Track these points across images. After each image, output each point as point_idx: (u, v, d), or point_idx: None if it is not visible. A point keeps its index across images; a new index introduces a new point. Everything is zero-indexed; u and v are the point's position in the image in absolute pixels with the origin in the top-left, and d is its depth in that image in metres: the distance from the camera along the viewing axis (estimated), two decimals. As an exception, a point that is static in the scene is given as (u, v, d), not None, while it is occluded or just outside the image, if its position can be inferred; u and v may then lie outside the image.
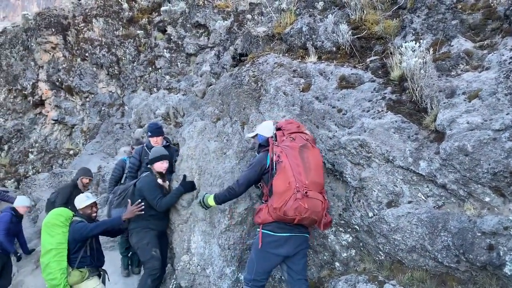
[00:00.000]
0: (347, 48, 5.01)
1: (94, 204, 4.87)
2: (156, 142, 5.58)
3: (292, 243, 3.50)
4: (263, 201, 3.70)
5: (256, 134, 4.07)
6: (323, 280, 3.83)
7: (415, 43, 3.99)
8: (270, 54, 5.19)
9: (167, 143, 5.76)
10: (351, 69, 4.65)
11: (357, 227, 3.85)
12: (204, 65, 9.53)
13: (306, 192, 3.32)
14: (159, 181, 4.83)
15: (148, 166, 4.95)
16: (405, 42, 4.15)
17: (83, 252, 4.50)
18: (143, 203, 4.75)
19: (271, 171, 3.60)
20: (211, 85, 7.70)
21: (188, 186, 4.68)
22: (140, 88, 11.86)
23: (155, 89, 11.45)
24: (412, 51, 3.94)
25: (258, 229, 3.67)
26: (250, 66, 5.11)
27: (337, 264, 3.96)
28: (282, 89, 4.64)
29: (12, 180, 12.56)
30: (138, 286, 4.71)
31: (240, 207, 4.44)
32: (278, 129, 3.84)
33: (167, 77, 11.33)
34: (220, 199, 3.99)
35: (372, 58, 4.79)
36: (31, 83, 14.00)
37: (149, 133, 5.65)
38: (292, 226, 3.45)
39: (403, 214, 3.48)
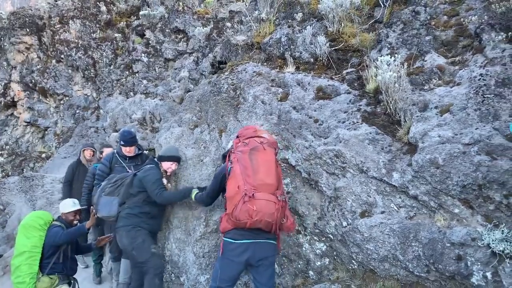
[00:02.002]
0: (324, 60, 5.10)
1: (79, 211, 4.79)
2: (129, 151, 5.42)
3: (253, 250, 3.42)
4: (225, 209, 3.68)
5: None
6: (297, 288, 3.86)
7: (390, 57, 4.10)
8: (249, 63, 5.23)
9: (140, 151, 5.66)
10: (328, 80, 4.73)
11: (331, 236, 3.90)
12: (182, 71, 9.50)
13: (253, 194, 3.29)
14: (164, 180, 4.55)
15: (155, 160, 4.68)
16: (381, 56, 4.26)
17: (56, 258, 4.40)
18: (112, 235, 4.69)
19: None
20: (189, 91, 7.68)
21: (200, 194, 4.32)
22: (117, 92, 11.70)
23: (131, 93, 11.32)
24: (387, 65, 4.05)
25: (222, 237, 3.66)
26: (229, 74, 5.13)
27: (311, 272, 4.00)
28: (260, 98, 4.68)
29: (-21, 183, 12.13)
30: (145, 286, 4.32)
31: (215, 215, 4.44)
32: (237, 136, 3.87)
33: (144, 81, 11.22)
34: (196, 199, 4.15)
35: (349, 70, 4.89)
36: (3, 83, 13.61)
37: (122, 142, 5.41)
38: (252, 232, 3.39)
39: (376, 224, 3.55)
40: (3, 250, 7.41)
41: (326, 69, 5.07)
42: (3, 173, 12.48)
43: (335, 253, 3.89)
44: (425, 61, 4.26)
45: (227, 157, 3.71)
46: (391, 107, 3.99)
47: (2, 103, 13.95)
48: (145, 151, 5.94)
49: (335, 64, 5.04)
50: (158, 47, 11.13)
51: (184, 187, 4.54)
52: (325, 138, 4.13)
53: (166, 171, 4.58)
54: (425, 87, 4.02)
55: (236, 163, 3.51)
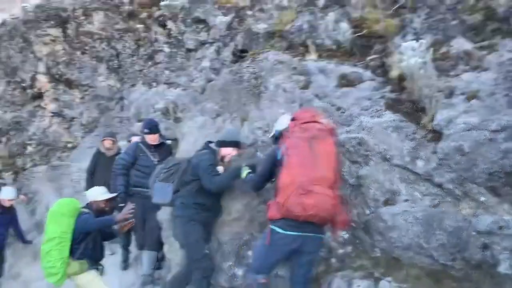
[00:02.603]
0: (347, 47, 5.04)
1: (111, 199, 4.91)
2: (153, 139, 5.51)
3: (301, 243, 3.30)
4: (274, 197, 3.45)
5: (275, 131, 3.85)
6: (319, 276, 3.87)
7: (415, 43, 4.02)
8: (270, 51, 5.22)
9: (163, 140, 5.74)
10: (351, 68, 4.69)
11: (354, 224, 3.89)
12: (204, 61, 9.53)
13: (311, 187, 3.10)
14: (219, 168, 4.24)
15: (210, 145, 4.38)
16: (405, 42, 4.18)
17: (85, 244, 4.53)
18: (133, 206, 4.69)
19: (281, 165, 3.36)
20: (210, 80, 7.71)
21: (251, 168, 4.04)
22: (140, 83, 11.83)
23: (154, 83, 11.43)
24: (412, 51, 3.98)
25: (269, 224, 3.46)
26: (251, 62, 5.14)
27: (333, 260, 3.99)
28: (282, 86, 4.67)
29: (10, 172, 12.55)
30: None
31: (237, 204, 4.47)
32: (292, 119, 3.58)
33: (167, 72, 11.31)
34: (245, 180, 3.89)
35: (372, 56, 4.83)
36: (30, 75, 13.94)
37: (146, 130, 5.49)
38: (303, 225, 3.22)
39: (399, 212, 3.52)
40: (33, 237, 7.67)
41: (349, 56, 5.01)
42: (32, 163, 12.83)
43: (357, 241, 3.88)
44: (452, 46, 4.16)
45: (280, 139, 3.48)
46: (416, 94, 3.93)
47: (30, 95, 14.29)
48: (168, 141, 6.03)
49: (358, 51, 4.98)
50: (179, 37, 11.17)
51: (233, 167, 4.19)
52: (348, 126, 4.10)
53: (223, 158, 4.30)
54: (451, 73, 3.94)
55: (292, 150, 3.27)
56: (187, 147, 5.12)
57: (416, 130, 3.76)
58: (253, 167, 3.96)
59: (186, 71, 10.79)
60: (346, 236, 3.98)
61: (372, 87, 4.35)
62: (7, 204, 6.88)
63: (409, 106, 4.01)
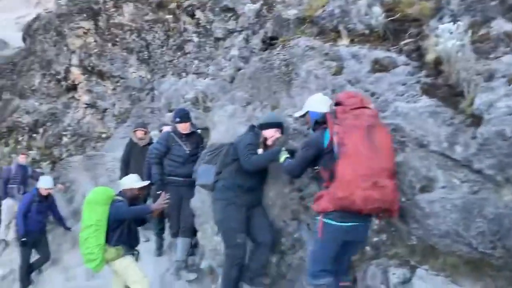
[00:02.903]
0: (380, 31, 4.92)
1: (144, 187, 5.08)
2: (184, 128, 5.56)
3: (355, 233, 3.25)
4: (324, 187, 3.29)
5: (307, 112, 3.72)
6: (354, 264, 3.84)
7: (452, 25, 3.88)
8: (301, 37, 5.15)
9: (194, 129, 5.80)
10: (384, 52, 4.57)
11: (389, 212, 3.83)
12: (233, 49, 9.53)
13: (375, 180, 2.99)
14: (260, 151, 4.14)
15: (255, 127, 4.35)
16: (442, 24, 4.04)
17: (120, 230, 4.68)
18: (169, 196, 4.80)
19: (331, 153, 3.20)
20: (239, 69, 7.71)
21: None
22: (169, 73, 11.98)
23: (184, 73, 11.54)
24: (449, 33, 3.83)
25: (317, 218, 3.34)
26: (281, 49, 5.09)
27: (368, 248, 3.96)
28: (313, 72, 4.61)
29: (47, 162, 13.04)
30: (222, 276, 4.32)
31: (270, 192, 4.49)
32: (337, 103, 3.38)
33: (196, 61, 11.39)
34: (283, 165, 3.72)
35: (406, 41, 4.68)
36: (64, 67, 14.36)
37: (178, 119, 5.56)
38: (358, 215, 3.15)
39: (436, 199, 3.44)
40: (71, 224, 7.97)
41: (382, 41, 4.88)
42: (67, 153, 13.29)
43: (393, 228, 3.82)
44: (491, 28, 3.99)
45: (330, 127, 3.25)
46: (453, 78, 3.80)
47: (64, 87, 14.73)
48: (198, 130, 6.09)
49: (392, 35, 4.84)
50: (208, 26, 11.20)
51: (272, 149, 4.11)
52: (383, 112, 4.00)
53: (265, 141, 4.18)
54: (491, 56, 3.78)
55: (349, 139, 3.08)
56: (218, 136, 5.15)
57: (454, 115, 3.63)
58: (292, 152, 3.83)
59: (215, 60, 10.83)
60: (381, 223, 3.93)
61: (407, 72, 4.23)
62: (44, 193, 7.15)
63: (446, 90, 3.87)
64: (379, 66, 4.46)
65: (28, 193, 7.35)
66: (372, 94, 4.20)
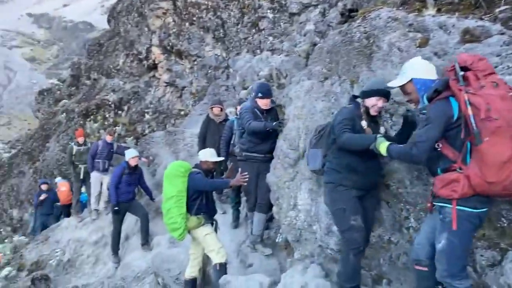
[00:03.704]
0: (472, -2, 4.53)
1: (220, 162, 5.39)
2: (266, 104, 5.48)
3: (483, 219, 2.91)
4: (458, 169, 2.79)
5: (411, 80, 3.14)
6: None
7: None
8: (383, 8, 4.91)
9: (273, 105, 5.76)
10: (476, 21, 4.21)
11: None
12: (308, 24, 9.36)
13: None
14: (363, 123, 3.68)
15: (356, 97, 3.89)
16: (547, -14, 3.62)
17: (200, 200, 4.93)
18: (247, 174, 4.93)
19: (458, 127, 2.75)
20: (315, 44, 7.56)
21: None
22: (244, 50, 12.09)
23: (258, 50, 11.59)
24: (556, -4, 3.43)
25: (446, 205, 2.87)
26: (361, 21, 4.89)
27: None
28: (396, 45, 4.39)
29: (131, 138, 13.95)
30: (340, 261, 3.98)
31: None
32: (463, 68, 2.83)
33: (270, 38, 11.37)
34: (393, 155, 3.16)
35: (502, 8, 4.27)
36: (145, 47, 15.09)
37: (260, 94, 5.44)
38: (489, 199, 2.81)
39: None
40: (154, 195, 8.48)
41: (474, 9, 4.50)
42: (150, 129, 14.10)
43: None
44: None
45: (458, 96, 2.72)
46: (558, 47, 3.41)
47: (146, 66, 15.53)
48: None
49: (484, 3, 4.44)
50: (283, 2, 11.09)
51: (368, 135, 3.58)
52: (474, 85, 3.73)
53: (368, 111, 3.71)
54: None
55: (497, 113, 2.54)
56: (295, 111, 5.13)
57: (557, 87, 3.28)
58: (389, 138, 3.40)
59: (289, 36, 10.73)
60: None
61: (502, 42, 3.87)
62: (133, 163, 7.66)
63: (548, 61, 3.50)
64: (469, 37, 4.12)
65: (118, 166, 7.90)
66: (462, 67, 3.91)
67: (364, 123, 3.65)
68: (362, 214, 3.70)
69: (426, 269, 3.12)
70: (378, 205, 3.95)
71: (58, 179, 12.64)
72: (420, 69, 3.16)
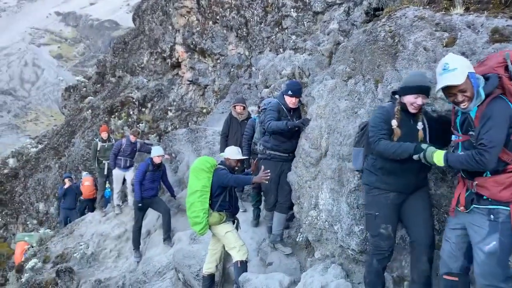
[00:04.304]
0: (502, -4, 4.42)
1: (242, 160, 5.43)
2: (294, 103, 5.39)
3: None
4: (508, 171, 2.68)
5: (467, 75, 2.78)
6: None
7: None
8: (409, 7, 4.84)
9: (299, 104, 5.72)
10: (506, 20, 4.11)
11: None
12: (332, 23, 9.30)
13: None
14: (393, 122, 3.36)
15: (393, 95, 3.61)
16: None
17: (223, 197, 4.97)
18: (269, 171, 4.86)
19: None
20: (338, 43, 7.51)
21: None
22: (267, 49, 12.10)
23: (281, 49, 11.58)
24: None
25: (500, 207, 2.72)
26: (386, 20, 4.83)
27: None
28: (422, 44, 4.32)
29: (154, 135, 14.14)
30: (365, 263, 3.97)
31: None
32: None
33: (293, 37, 11.34)
34: (456, 164, 2.88)
35: (534, 6, 4.16)
36: (169, 46, 15.27)
37: (290, 92, 5.32)
38: None
39: None
40: (176, 192, 8.58)
41: (504, 8, 4.38)
42: (172, 126, 14.27)
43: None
44: None
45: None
46: None
47: (169, 64, 15.72)
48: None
49: (515, 1, 4.33)
50: (306, 0, 11.04)
51: (407, 144, 3.23)
52: (503, 86, 3.64)
53: (405, 108, 3.39)
54: None
55: None
56: (317, 110, 5.11)
57: None
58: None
59: (312, 35, 10.68)
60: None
61: (533, 42, 3.77)
62: (157, 161, 7.77)
63: None
64: (499, 36, 4.02)
65: (143, 163, 8.03)
66: (491, 67, 3.82)
67: (394, 123, 3.34)
68: (396, 222, 3.54)
69: (456, 279, 3.02)
70: (428, 206, 3.61)
71: (84, 174, 12.94)
72: (467, 63, 2.89)
